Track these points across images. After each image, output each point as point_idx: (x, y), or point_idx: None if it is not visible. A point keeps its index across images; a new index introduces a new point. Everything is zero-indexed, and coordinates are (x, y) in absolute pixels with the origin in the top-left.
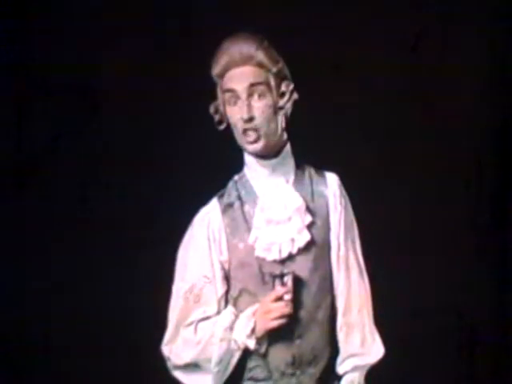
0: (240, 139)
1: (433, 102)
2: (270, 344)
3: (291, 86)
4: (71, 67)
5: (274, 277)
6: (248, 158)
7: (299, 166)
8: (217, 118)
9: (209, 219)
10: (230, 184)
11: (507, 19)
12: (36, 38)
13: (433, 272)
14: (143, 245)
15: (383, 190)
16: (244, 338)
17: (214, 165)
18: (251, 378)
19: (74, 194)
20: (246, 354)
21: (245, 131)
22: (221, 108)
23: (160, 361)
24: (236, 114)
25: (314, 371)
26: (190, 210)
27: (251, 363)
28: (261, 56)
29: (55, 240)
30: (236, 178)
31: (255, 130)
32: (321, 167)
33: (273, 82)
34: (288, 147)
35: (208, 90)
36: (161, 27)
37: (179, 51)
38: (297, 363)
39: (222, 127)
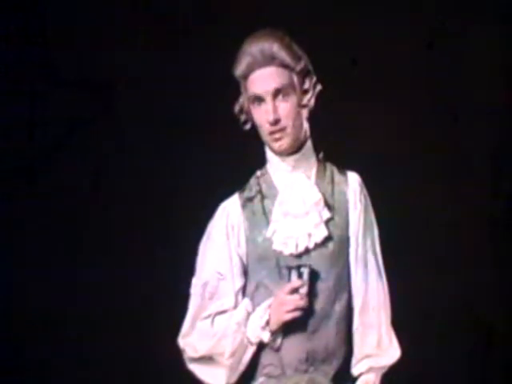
0: (265, 138)
1: (450, 99)
2: (283, 338)
3: (314, 80)
4: (84, 63)
5: (290, 268)
6: (270, 154)
7: (321, 163)
8: (242, 118)
9: (228, 213)
10: (252, 179)
11: None
12: (49, 33)
13: (448, 271)
14: (161, 241)
15: (401, 190)
16: (258, 331)
17: (236, 161)
18: (266, 374)
19: (87, 190)
20: (261, 349)
21: (271, 133)
22: (245, 107)
23: (176, 354)
24: (262, 116)
25: (328, 370)
26: (211, 206)
27: (266, 360)
28: (283, 55)
29: (67, 235)
30: (258, 173)
31: (281, 130)
32: (340, 166)
33: (296, 81)
34: (309, 143)
35: (224, 85)
36: (174, 24)
37: (192, 49)
38: (310, 359)
39: (248, 127)
